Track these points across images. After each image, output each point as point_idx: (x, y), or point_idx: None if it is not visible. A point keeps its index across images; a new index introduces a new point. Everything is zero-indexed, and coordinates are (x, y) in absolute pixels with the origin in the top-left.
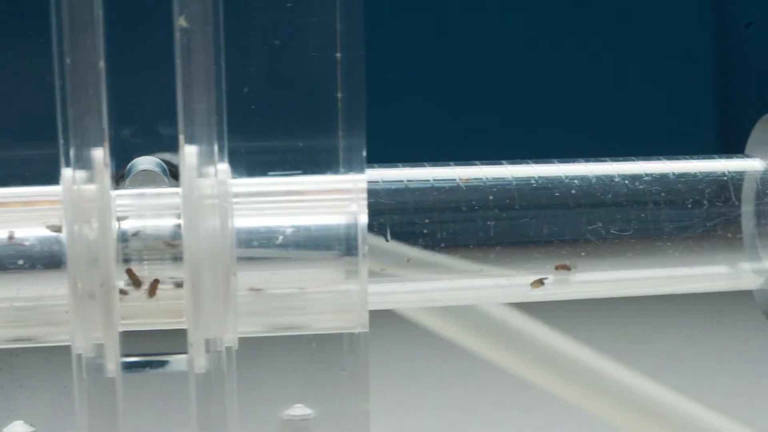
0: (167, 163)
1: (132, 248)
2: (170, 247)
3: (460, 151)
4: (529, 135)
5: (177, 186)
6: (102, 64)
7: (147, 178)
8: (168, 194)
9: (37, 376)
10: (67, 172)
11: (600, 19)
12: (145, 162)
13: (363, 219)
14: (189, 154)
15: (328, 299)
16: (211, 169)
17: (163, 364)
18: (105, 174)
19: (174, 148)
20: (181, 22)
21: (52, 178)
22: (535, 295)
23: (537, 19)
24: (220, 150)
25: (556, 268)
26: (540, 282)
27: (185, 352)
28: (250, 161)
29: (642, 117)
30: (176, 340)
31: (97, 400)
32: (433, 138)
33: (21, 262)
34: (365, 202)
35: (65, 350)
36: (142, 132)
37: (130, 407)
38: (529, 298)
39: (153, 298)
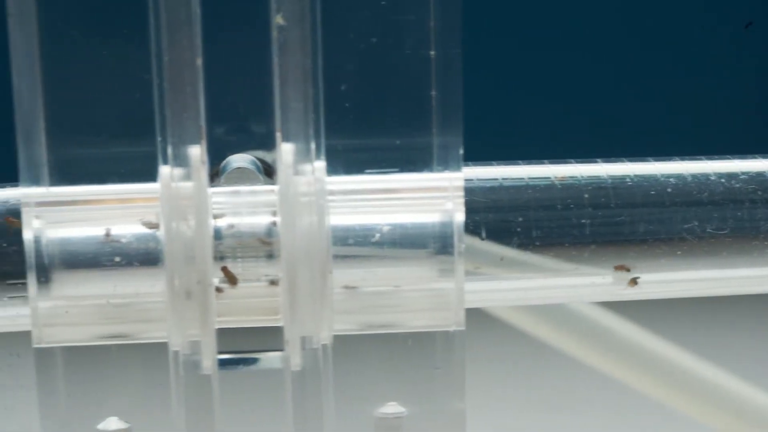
0: (261, 160)
1: (226, 246)
2: (264, 244)
3: (548, 150)
4: (621, 133)
5: (271, 184)
6: (199, 62)
7: (242, 176)
8: (263, 192)
9: (131, 373)
10: (164, 170)
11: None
12: (240, 159)
13: (459, 217)
14: (285, 151)
15: (422, 297)
16: (307, 167)
17: (257, 361)
18: (202, 171)
19: (267, 145)
20: (278, 20)
21: (149, 175)
22: (628, 294)
23: (625, 18)
24: (317, 148)
25: (616, 268)
26: (634, 281)
27: (279, 350)
28: (347, 159)
29: (727, 116)
30: (255, 337)
31: (194, 396)
32: (523, 136)
33: (118, 259)
34: (462, 200)
35: (159, 347)
36: (235, 130)
37: (226, 404)
38: (622, 297)
39: (249, 295)
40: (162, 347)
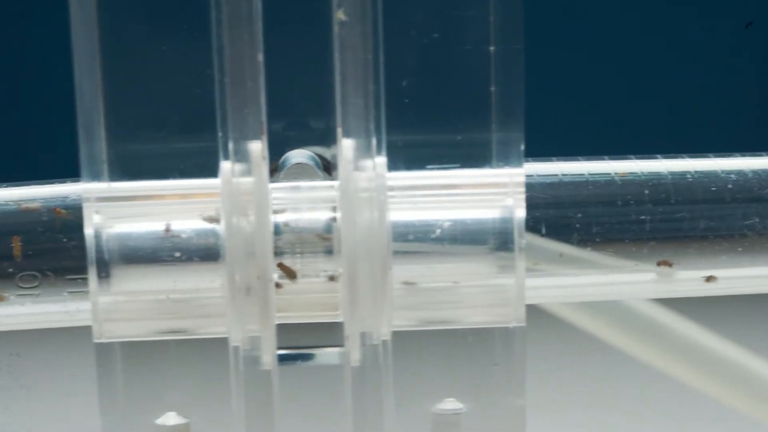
0: (319, 156)
1: (285, 241)
2: (323, 240)
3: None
4: (619, 133)
5: (329, 179)
6: (260, 57)
7: (301, 171)
8: (323, 187)
9: (189, 368)
10: (225, 165)
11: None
12: (299, 155)
13: (519, 213)
14: (346, 147)
15: (481, 293)
16: (367, 163)
17: (316, 357)
18: (263, 167)
19: (326, 141)
20: (339, 15)
21: (208, 170)
22: (687, 291)
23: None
24: (378, 143)
25: (659, 263)
26: (711, 278)
27: (337, 345)
28: (408, 155)
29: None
30: (310, 333)
31: (254, 392)
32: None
33: (178, 254)
34: (522, 196)
35: (217, 342)
36: (294, 125)
37: (284, 399)
38: (683, 294)
39: (307, 291)
40: (220, 342)
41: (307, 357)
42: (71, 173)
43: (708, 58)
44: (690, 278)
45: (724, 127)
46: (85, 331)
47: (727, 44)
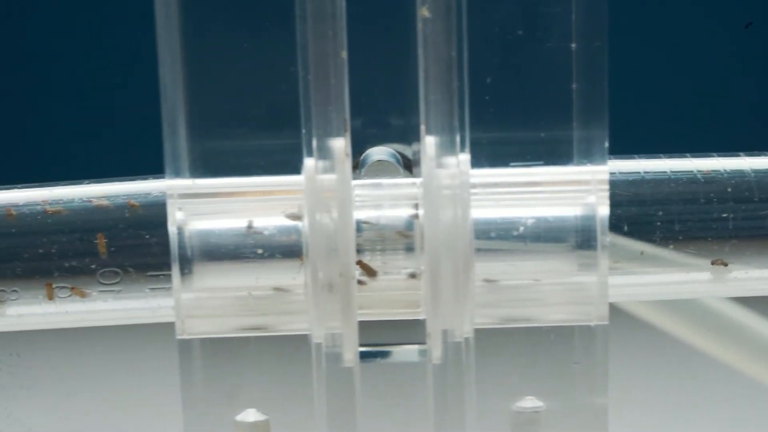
0: (399, 153)
1: (365, 238)
2: (404, 237)
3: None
4: (617, 133)
5: (410, 176)
6: (344, 54)
7: (382, 168)
8: (404, 185)
9: (269, 365)
10: (309, 162)
11: None
12: (380, 152)
13: (603, 211)
14: (429, 144)
15: (563, 291)
16: (449, 160)
17: (395, 354)
18: (346, 164)
19: (406, 138)
20: (423, 12)
21: (289, 167)
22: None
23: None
24: (461, 140)
25: (713, 263)
26: None
27: (416, 343)
28: (491, 152)
29: None
30: (387, 331)
31: (335, 389)
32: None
33: (260, 251)
34: (606, 194)
35: (296, 339)
36: (375, 122)
37: (365, 396)
38: (760, 292)
39: (388, 288)
40: (299, 339)
41: (388, 354)
42: (153, 170)
43: (708, 58)
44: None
45: (724, 127)
46: (86, 331)
47: (727, 44)
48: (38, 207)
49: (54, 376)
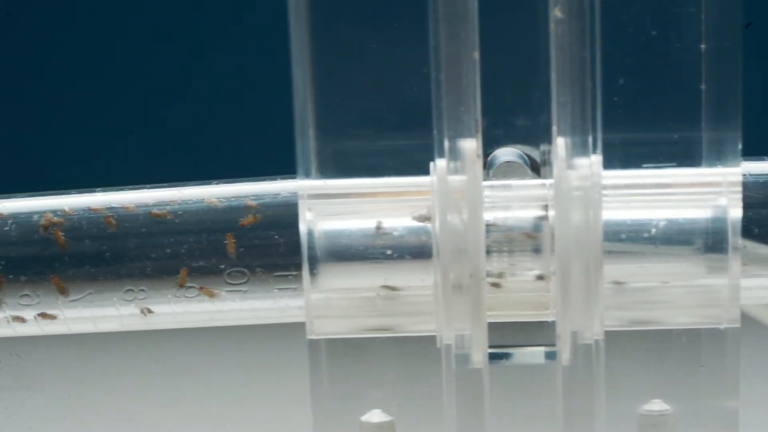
0: (526, 154)
1: (492, 239)
2: (530, 239)
3: None
4: None
5: (537, 178)
6: (476, 55)
7: (510, 170)
8: (533, 186)
9: (393, 366)
10: (441, 163)
11: None
12: (507, 153)
13: (735, 213)
14: (560, 145)
15: (692, 294)
16: (580, 161)
17: (521, 355)
18: (477, 165)
19: (532, 139)
20: (556, 12)
21: (417, 167)
22: None
23: None
24: (593, 142)
25: None
26: None
27: (541, 345)
28: (624, 153)
29: None
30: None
31: (464, 390)
32: None
33: (389, 252)
34: (738, 196)
35: (420, 340)
36: (501, 123)
37: (493, 398)
38: None
39: (516, 289)
40: (423, 340)
41: (514, 356)
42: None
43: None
44: None
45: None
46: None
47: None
48: (168, 207)
49: (54, 376)
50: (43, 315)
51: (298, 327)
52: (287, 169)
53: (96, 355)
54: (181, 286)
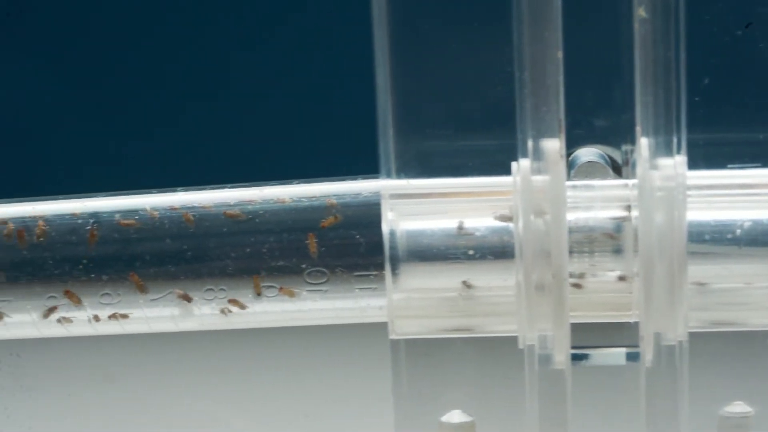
0: (606, 154)
1: (573, 240)
2: (612, 239)
3: None
4: None
5: (618, 178)
6: (560, 55)
7: (592, 170)
8: (616, 186)
9: (473, 366)
10: (524, 163)
11: None
12: (589, 153)
13: None
14: (643, 145)
15: None
16: (663, 161)
17: (602, 356)
18: (560, 165)
19: (610, 139)
20: (640, 12)
21: (498, 168)
22: None
23: None
24: (677, 142)
25: None
26: None
27: (622, 345)
28: (708, 153)
29: None
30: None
31: (547, 391)
32: None
33: (471, 252)
34: None
35: (498, 340)
36: (580, 123)
37: (574, 397)
38: None
39: (597, 290)
40: (501, 340)
41: (595, 357)
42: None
43: None
44: None
45: None
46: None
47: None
48: (249, 207)
49: (55, 376)
50: (115, 315)
51: (375, 327)
52: (366, 169)
53: (96, 355)
54: (258, 294)
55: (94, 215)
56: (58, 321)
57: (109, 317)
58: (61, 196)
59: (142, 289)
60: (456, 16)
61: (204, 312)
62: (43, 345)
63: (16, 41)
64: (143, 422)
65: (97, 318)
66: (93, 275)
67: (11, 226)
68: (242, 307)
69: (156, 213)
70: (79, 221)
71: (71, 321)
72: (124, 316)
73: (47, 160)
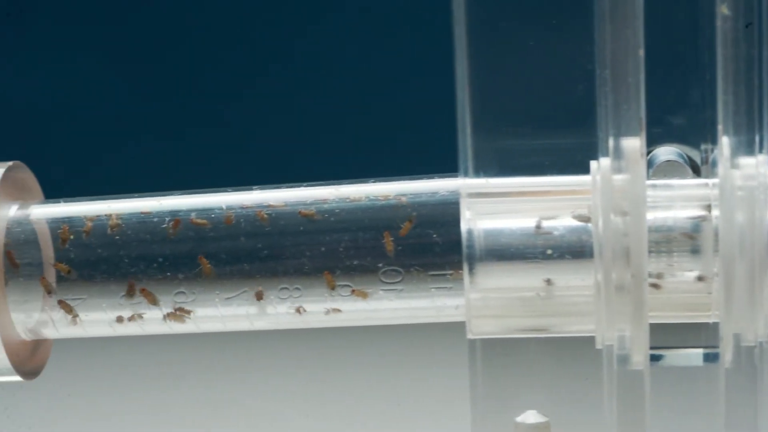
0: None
1: (651, 239)
2: (691, 239)
3: None
4: None
5: (698, 177)
6: (641, 52)
7: (671, 169)
8: (696, 186)
9: (549, 366)
10: (604, 162)
11: None
12: (667, 152)
13: None
14: (725, 144)
15: None
16: (745, 160)
17: (679, 357)
18: (640, 164)
19: (689, 138)
20: (723, 10)
21: (575, 166)
22: None
23: None
24: (759, 141)
25: None
26: None
27: (699, 346)
28: None
29: None
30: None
31: (625, 392)
32: None
33: (549, 251)
34: None
35: (574, 340)
36: (658, 122)
37: (653, 399)
38: None
39: (675, 290)
40: (577, 340)
41: (672, 357)
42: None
43: None
44: None
45: None
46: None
47: None
48: (326, 206)
49: (54, 376)
50: (173, 314)
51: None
52: (441, 168)
53: (96, 355)
54: (332, 288)
55: (171, 213)
56: (130, 319)
57: (176, 311)
58: (135, 195)
59: (209, 272)
60: (535, 13)
61: (279, 311)
62: None
63: (84, 41)
64: (144, 422)
65: (171, 316)
66: (168, 273)
67: (90, 225)
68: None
69: (231, 213)
70: (155, 219)
71: (143, 319)
72: (188, 313)
73: (109, 160)
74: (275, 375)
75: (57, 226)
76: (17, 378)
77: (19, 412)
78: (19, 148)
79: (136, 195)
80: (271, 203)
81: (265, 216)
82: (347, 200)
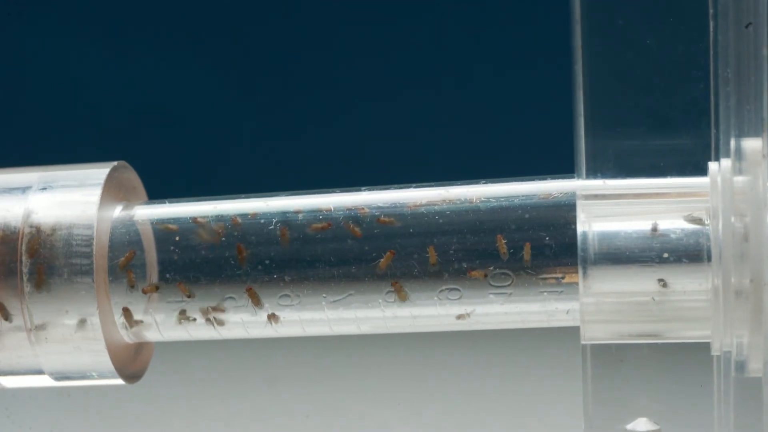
0: None
1: None
2: None
3: None
4: None
5: None
6: (765, 51)
7: None
8: None
9: (660, 373)
10: (725, 163)
11: None
12: None
13: None
14: None
15: None
16: None
17: None
18: (762, 166)
19: None
20: None
21: (690, 168)
22: None
23: None
24: None
25: None
26: None
27: None
28: None
29: None
30: None
31: (742, 400)
32: None
33: (666, 255)
34: None
35: (686, 346)
36: None
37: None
38: None
39: None
40: (689, 346)
41: None
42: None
43: None
44: None
45: None
46: None
47: None
48: (434, 208)
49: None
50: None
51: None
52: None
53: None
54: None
55: (280, 215)
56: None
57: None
58: (242, 195)
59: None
60: (652, 11)
61: (387, 315)
62: None
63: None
64: (143, 422)
65: (275, 318)
66: (275, 275)
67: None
68: None
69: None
70: (262, 221)
71: (244, 322)
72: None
73: (215, 160)
74: (372, 378)
75: (164, 227)
76: (119, 381)
77: (19, 412)
78: (126, 146)
79: (242, 196)
80: (381, 204)
81: (385, 220)
82: (458, 202)
